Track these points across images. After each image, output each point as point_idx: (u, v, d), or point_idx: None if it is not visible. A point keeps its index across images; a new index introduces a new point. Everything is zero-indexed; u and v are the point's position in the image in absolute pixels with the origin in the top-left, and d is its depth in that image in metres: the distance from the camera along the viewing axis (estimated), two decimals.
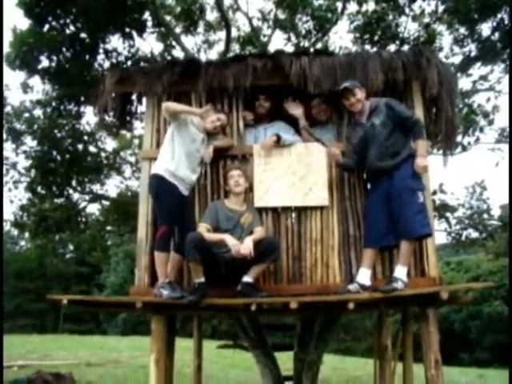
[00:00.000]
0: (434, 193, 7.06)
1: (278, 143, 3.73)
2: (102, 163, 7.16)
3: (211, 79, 3.87)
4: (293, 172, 3.74)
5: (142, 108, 4.41)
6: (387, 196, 3.33)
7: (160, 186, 3.42)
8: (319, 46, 7.03)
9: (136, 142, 7.93)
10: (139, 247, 3.72)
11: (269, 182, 3.73)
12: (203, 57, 7.64)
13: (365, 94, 3.51)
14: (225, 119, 3.76)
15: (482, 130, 6.93)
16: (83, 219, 7.38)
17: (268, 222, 3.69)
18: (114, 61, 5.84)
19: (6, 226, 7.58)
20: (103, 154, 7.25)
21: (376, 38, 6.45)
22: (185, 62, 4.11)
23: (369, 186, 3.69)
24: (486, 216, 8.24)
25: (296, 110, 4.01)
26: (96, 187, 7.41)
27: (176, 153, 3.48)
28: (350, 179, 3.77)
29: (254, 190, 3.72)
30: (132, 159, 8.00)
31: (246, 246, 3.19)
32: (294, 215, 3.74)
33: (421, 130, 3.33)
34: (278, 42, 7.99)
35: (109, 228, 8.19)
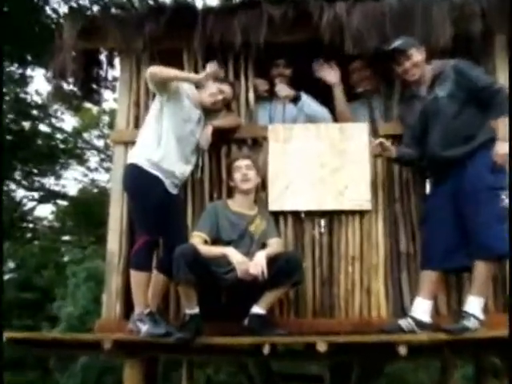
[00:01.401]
0: None
1: (295, 103, 3.80)
2: (57, 148, 7.12)
3: (211, 33, 3.88)
4: (322, 163, 3.78)
5: (114, 72, 4.53)
6: (456, 197, 3.32)
7: (139, 181, 3.46)
8: None
9: (106, 119, 7.93)
10: (109, 264, 3.76)
11: (289, 176, 3.76)
12: (200, 2, 7.61)
13: (425, 56, 3.51)
14: (229, 91, 3.78)
15: None
16: (30, 225, 7.40)
17: (287, 232, 3.73)
18: (73, 4, 5.81)
19: None
20: (59, 136, 7.23)
21: None
22: (175, 8, 4.09)
23: (429, 184, 3.71)
24: None
25: (330, 75, 4.04)
26: (49, 181, 7.42)
27: (164, 137, 3.51)
28: (401, 173, 3.79)
29: (269, 188, 3.76)
30: (100, 143, 8.03)
31: (256, 264, 3.21)
32: (323, 223, 3.79)
33: (503, 104, 3.28)
34: None
35: (66, 238, 8.21)
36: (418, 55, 3.48)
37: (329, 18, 3.73)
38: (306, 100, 3.90)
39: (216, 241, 3.44)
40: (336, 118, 4.03)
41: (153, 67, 3.53)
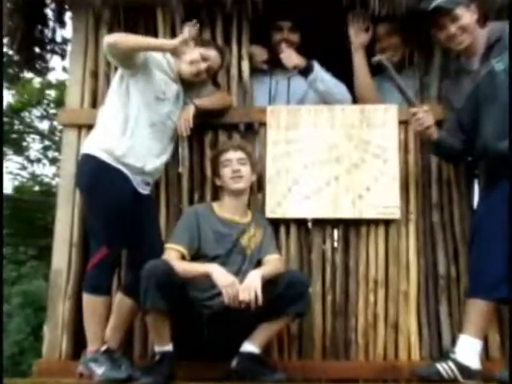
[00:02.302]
0: None
1: (305, 76, 3.80)
2: None
3: None
4: (337, 157, 3.76)
5: (64, 32, 4.48)
6: None
7: (99, 177, 3.41)
8: None
9: (51, 94, 7.86)
10: (54, 286, 3.71)
11: (293, 173, 3.77)
12: None
13: (477, 17, 3.48)
14: (216, 58, 3.76)
15: None
16: None
17: (290, 246, 3.72)
18: None
19: None
20: None
21: None
22: None
23: (479, 186, 3.69)
24: None
25: (358, 35, 4.03)
26: None
27: (131, 121, 3.48)
28: (440, 172, 3.78)
29: (267, 189, 3.76)
30: (44, 126, 7.93)
31: (248, 287, 3.15)
32: (336, 235, 3.78)
33: None
34: None
35: None
36: (467, 16, 3.44)
37: None
38: (320, 72, 3.89)
39: (197, 256, 3.41)
40: (356, 99, 4.03)
41: (111, 36, 3.50)
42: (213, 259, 3.37)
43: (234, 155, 3.56)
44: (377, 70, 4.01)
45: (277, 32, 4.13)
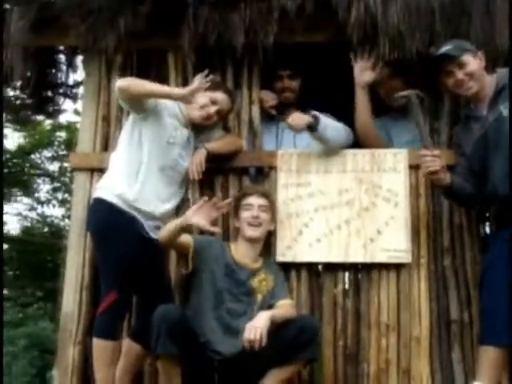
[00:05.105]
0: None
1: (313, 131, 3.71)
2: None
3: (204, 31, 3.89)
4: (347, 201, 3.77)
5: (76, 76, 4.55)
6: None
7: (111, 221, 3.43)
8: None
9: (61, 135, 7.87)
10: (63, 331, 3.68)
11: (304, 217, 3.77)
12: None
13: (484, 64, 3.51)
14: (225, 101, 3.77)
15: None
16: None
17: (301, 291, 3.70)
18: None
19: None
20: None
21: None
22: None
23: (490, 230, 3.70)
24: None
25: (363, 74, 3.98)
26: None
27: (141, 165, 3.51)
28: (452, 215, 3.76)
29: (277, 233, 3.75)
30: (54, 167, 7.93)
31: (253, 326, 3.14)
32: (347, 279, 3.77)
33: None
34: None
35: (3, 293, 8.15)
36: (474, 63, 3.48)
37: (359, 12, 3.74)
38: (326, 123, 3.75)
39: (199, 282, 3.45)
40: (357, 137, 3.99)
41: (122, 80, 3.53)
42: (220, 291, 3.38)
43: (256, 201, 3.57)
44: (381, 111, 4.06)
45: (277, 80, 4.16)
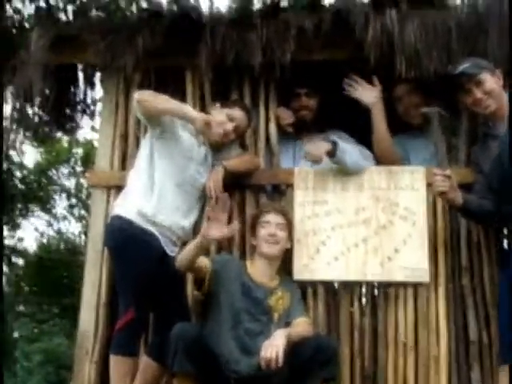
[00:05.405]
0: None
1: (331, 156, 3.71)
2: (15, 189, 7.13)
3: (222, 49, 3.91)
4: (365, 219, 3.77)
5: (94, 94, 4.49)
6: None
7: (130, 238, 3.43)
8: None
9: (79, 151, 7.90)
10: (80, 348, 3.69)
11: (322, 235, 3.76)
12: (208, 8, 7.61)
13: (502, 82, 3.51)
14: (242, 117, 3.79)
15: None
16: None
17: (318, 309, 3.67)
18: (42, 4, 5.80)
19: None
20: (18, 174, 7.23)
21: None
22: (177, 15, 4.10)
23: (508, 248, 3.67)
24: None
25: (368, 94, 3.99)
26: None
27: (158, 183, 3.51)
28: (470, 233, 3.74)
29: (294, 251, 3.74)
30: (70, 184, 7.94)
31: (270, 345, 3.12)
32: (364, 298, 3.76)
33: None
34: None
35: (20, 309, 8.13)
36: (492, 81, 3.49)
37: (375, 30, 3.75)
38: (344, 149, 3.74)
39: (216, 301, 3.41)
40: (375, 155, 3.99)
41: (140, 93, 3.55)
42: (238, 311, 3.36)
43: (274, 218, 3.55)
44: (398, 129, 4.05)
45: (295, 98, 4.16)
